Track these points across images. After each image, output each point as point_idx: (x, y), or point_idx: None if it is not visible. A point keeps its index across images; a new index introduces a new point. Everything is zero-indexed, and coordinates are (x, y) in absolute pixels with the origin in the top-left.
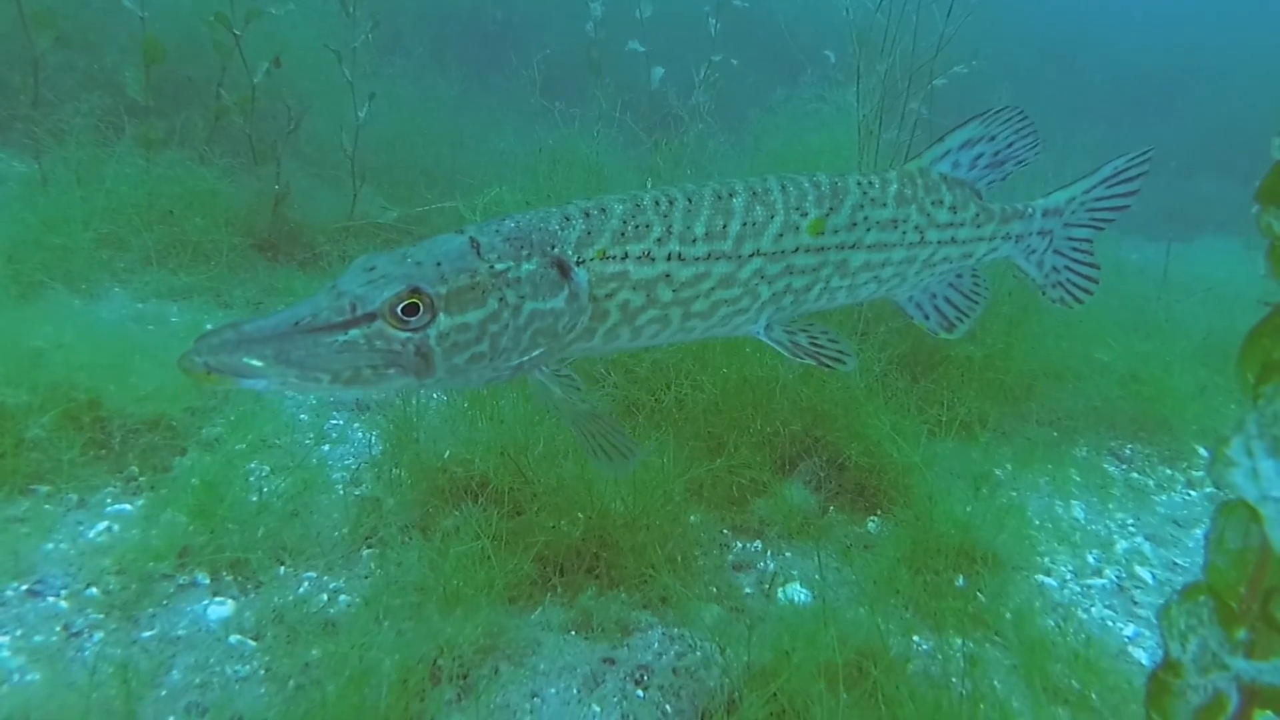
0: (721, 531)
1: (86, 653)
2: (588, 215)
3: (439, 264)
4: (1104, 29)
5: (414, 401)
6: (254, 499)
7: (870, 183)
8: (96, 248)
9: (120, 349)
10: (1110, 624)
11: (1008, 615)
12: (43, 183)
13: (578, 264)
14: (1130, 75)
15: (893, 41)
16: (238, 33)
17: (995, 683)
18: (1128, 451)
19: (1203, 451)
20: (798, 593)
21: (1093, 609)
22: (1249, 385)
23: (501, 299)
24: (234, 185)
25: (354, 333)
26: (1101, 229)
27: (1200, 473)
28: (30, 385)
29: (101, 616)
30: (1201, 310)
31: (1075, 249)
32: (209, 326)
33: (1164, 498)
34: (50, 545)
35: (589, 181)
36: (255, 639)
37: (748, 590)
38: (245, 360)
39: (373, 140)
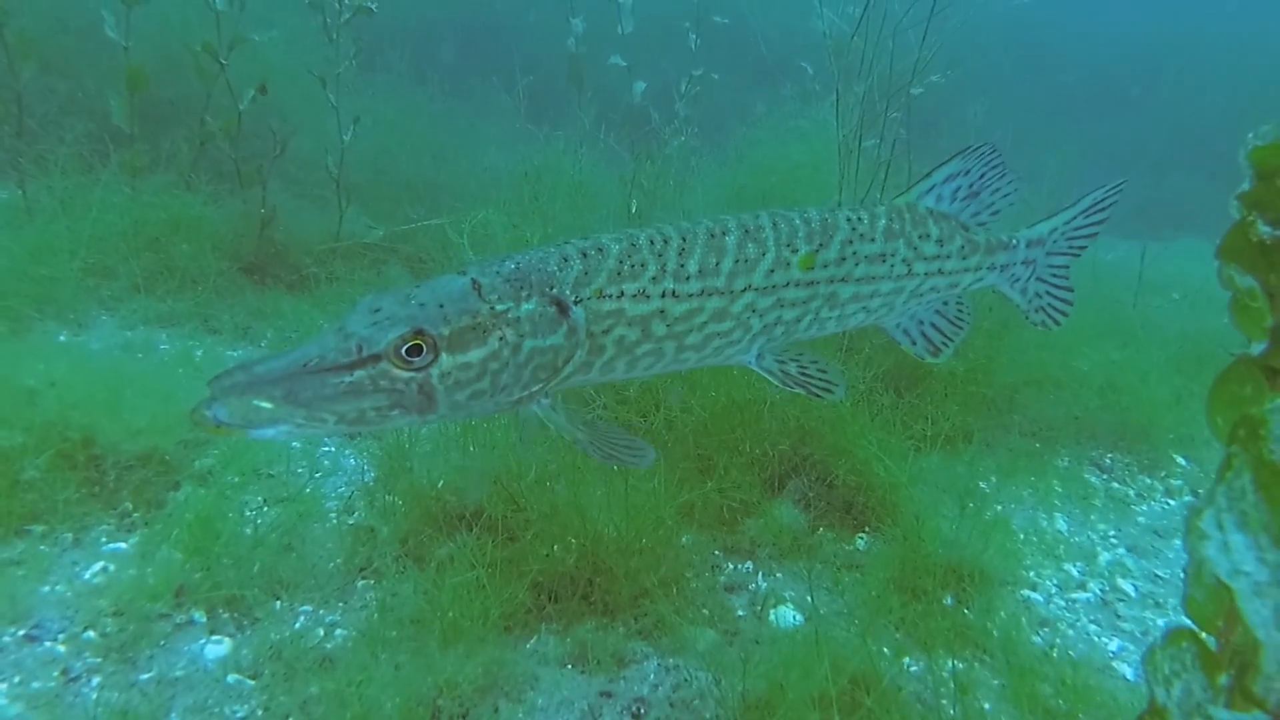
0: (713, 553)
1: (85, 698)
2: (585, 255)
3: (442, 305)
4: (1071, 30)
5: (406, 431)
6: (248, 532)
7: (859, 218)
8: (83, 276)
9: (112, 383)
10: (1095, 638)
11: (995, 633)
12: (27, 211)
13: (575, 303)
14: (1098, 74)
15: (870, 63)
16: (224, 62)
17: (985, 705)
18: (1108, 461)
19: (1180, 460)
20: (789, 615)
21: (1078, 623)
22: (1219, 429)
23: (502, 338)
24: (220, 209)
25: (360, 374)
26: (1078, 255)
27: (1179, 481)
28: (25, 425)
29: (99, 660)
30: (1176, 313)
31: (1055, 275)
32: (198, 354)
33: (1144, 507)
34: (46, 588)
35: (575, 200)
36: (253, 677)
37: (740, 612)
38: (255, 403)
39: (356, 157)
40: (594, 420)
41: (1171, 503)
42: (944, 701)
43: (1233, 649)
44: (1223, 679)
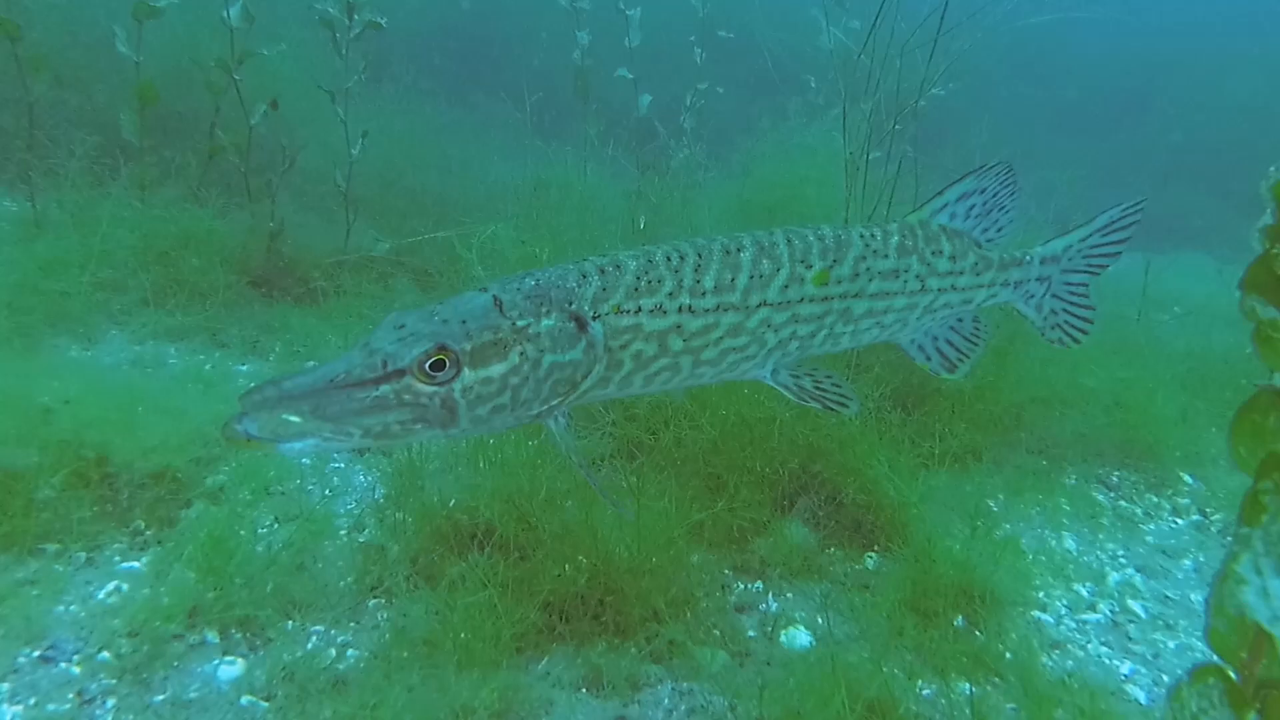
0: (723, 572)
1: None
2: (603, 272)
3: (464, 322)
4: (1073, 46)
5: (416, 447)
6: (260, 550)
7: (873, 235)
8: (94, 291)
9: (124, 400)
10: (1107, 661)
11: (1008, 655)
12: (37, 225)
13: (594, 318)
14: (1100, 89)
15: (876, 82)
16: (238, 78)
17: None
18: (1115, 479)
19: (1187, 478)
20: (800, 636)
21: (1088, 645)
22: (1241, 459)
23: (522, 353)
24: (228, 223)
25: (385, 388)
26: (1097, 274)
27: (1186, 500)
28: (40, 444)
29: (114, 681)
30: (1181, 329)
31: (1072, 293)
32: (208, 368)
33: (1152, 526)
34: (61, 608)
35: (582, 215)
36: (266, 699)
37: (751, 633)
38: (284, 416)
39: (363, 170)
40: (593, 466)
41: (1179, 522)
42: None
43: (1257, 683)
44: (1251, 717)
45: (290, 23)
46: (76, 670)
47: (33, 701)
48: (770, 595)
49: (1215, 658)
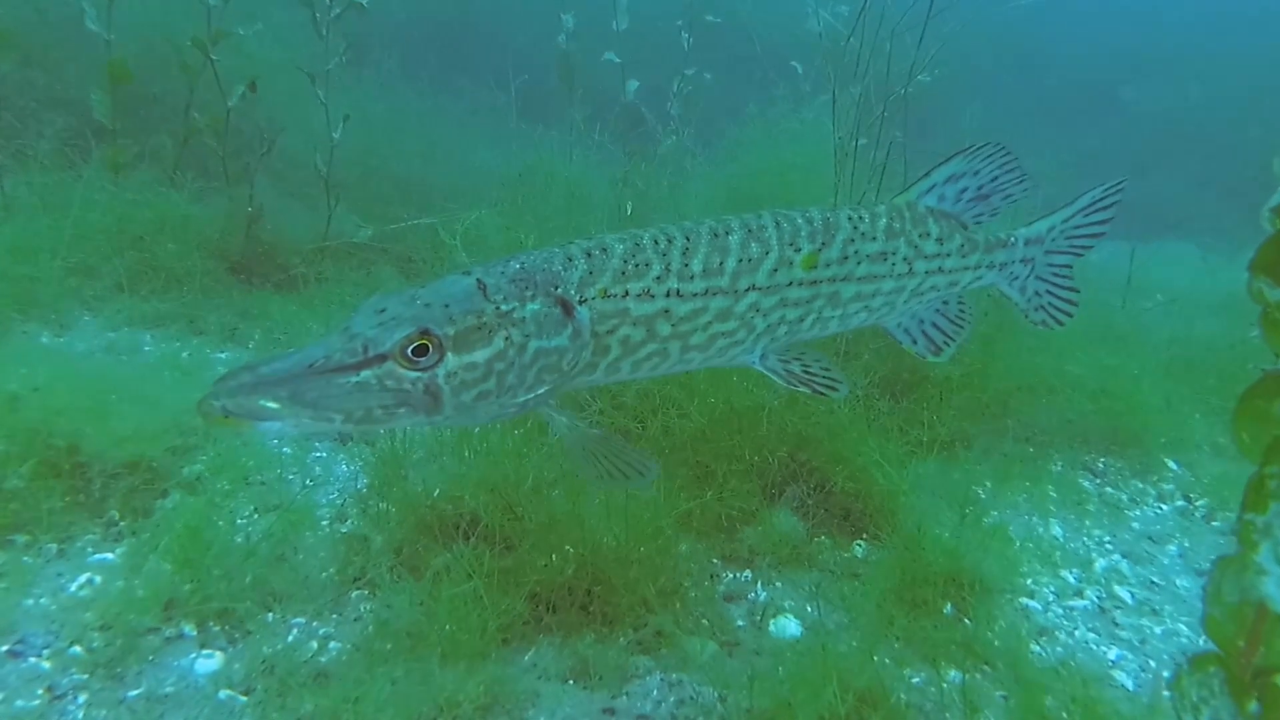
0: (711, 561)
1: (72, 716)
2: (589, 255)
3: (447, 305)
4: (1053, 33)
5: (399, 436)
6: (239, 541)
7: (860, 217)
8: (65, 276)
9: (97, 388)
10: (1094, 647)
11: (997, 643)
12: (5, 209)
13: (580, 303)
14: (1081, 76)
15: (865, 66)
16: (214, 58)
17: (989, 716)
18: (1101, 465)
19: (1172, 464)
20: (788, 625)
21: (1076, 632)
22: (1244, 444)
23: (507, 338)
24: (206, 208)
25: (366, 374)
26: (1081, 255)
27: (1170, 486)
28: (7, 432)
29: (86, 676)
30: (1165, 317)
31: (1056, 274)
32: (184, 355)
33: (1137, 512)
34: (30, 601)
35: (569, 201)
36: (245, 693)
37: (740, 623)
38: (261, 402)
39: (345, 155)
40: (599, 432)
41: (1164, 507)
42: (947, 717)
43: (1255, 670)
44: (1252, 705)
45: (269, 3)
46: (46, 665)
47: (0, 697)
48: (759, 584)
49: (1208, 644)
